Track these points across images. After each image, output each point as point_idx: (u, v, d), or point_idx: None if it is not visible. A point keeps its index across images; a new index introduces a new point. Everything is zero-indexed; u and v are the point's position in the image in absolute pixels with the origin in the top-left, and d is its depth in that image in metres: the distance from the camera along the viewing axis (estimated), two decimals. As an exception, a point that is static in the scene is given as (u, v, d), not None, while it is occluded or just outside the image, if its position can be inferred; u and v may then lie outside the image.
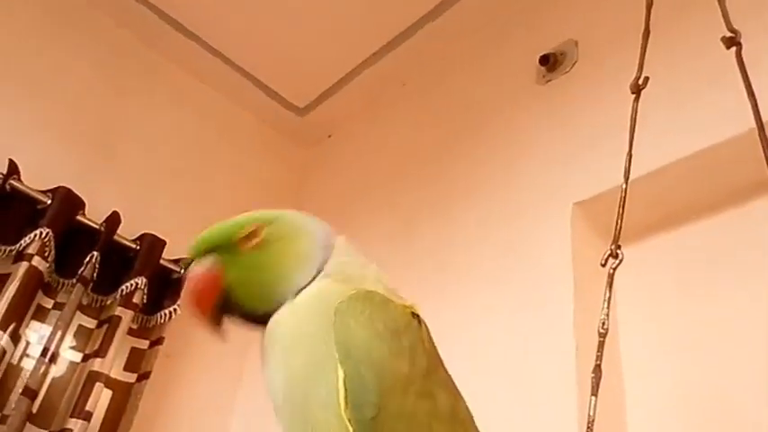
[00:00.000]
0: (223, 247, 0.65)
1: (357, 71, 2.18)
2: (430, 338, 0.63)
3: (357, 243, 2.08)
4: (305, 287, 0.63)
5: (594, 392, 0.83)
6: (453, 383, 0.62)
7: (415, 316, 0.63)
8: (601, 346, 0.85)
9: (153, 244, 1.82)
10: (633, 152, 0.97)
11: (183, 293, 0.66)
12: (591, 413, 0.81)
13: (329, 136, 2.43)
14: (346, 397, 0.53)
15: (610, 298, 0.89)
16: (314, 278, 0.64)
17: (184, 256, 1.89)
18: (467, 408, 0.62)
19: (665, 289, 1.30)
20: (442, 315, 1.50)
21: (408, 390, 0.55)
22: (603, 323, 0.87)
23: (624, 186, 0.94)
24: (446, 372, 0.62)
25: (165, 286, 1.84)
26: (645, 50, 1.01)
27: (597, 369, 0.85)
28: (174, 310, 1.80)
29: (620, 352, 1.28)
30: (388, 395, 0.53)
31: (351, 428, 0.52)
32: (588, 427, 0.80)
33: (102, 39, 2.11)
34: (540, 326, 1.30)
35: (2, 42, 1.89)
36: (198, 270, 0.65)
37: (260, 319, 0.64)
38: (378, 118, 2.24)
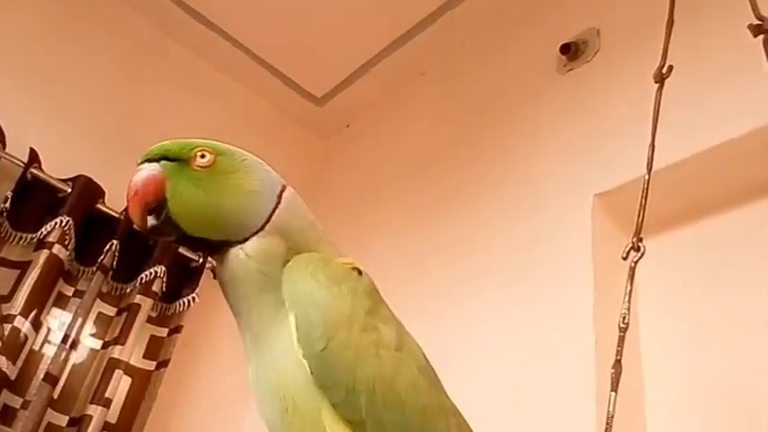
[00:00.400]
0: (173, 159, 0.67)
1: (375, 60, 2.17)
2: (372, 286, 0.68)
3: (376, 233, 2.07)
4: (253, 235, 0.65)
5: (614, 388, 0.81)
6: (399, 323, 0.68)
7: (355, 269, 0.68)
8: (621, 340, 0.84)
9: (172, 233, 1.83)
10: (656, 143, 0.95)
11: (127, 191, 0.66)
12: (610, 409, 0.80)
13: (347, 126, 2.42)
14: (299, 338, 0.60)
15: (631, 292, 0.87)
16: (262, 227, 0.66)
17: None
18: (415, 343, 0.67)
19: (687, 282, 1.28)
20: (462, 307, 1.50)
21: (352, 325, 0.61)
22: (624, 317, 0.86)
23: (647, 178, 0.92)
24: (391, 313, 0.68)
25: (184, 275, 1.86)
26: (669, 38, 0.98)
27: (617, 364, 0.83)
28: (193, 298, 1.81)
29: (641, 346, 1.26)
30: (333, 329, 0.60)
31: (305, 362, 0.59)
32: (608, 423, 0.79)
33: (121, 29, 2.12)
34: (559, 320, 1.28)
35: (22, 35, 1.90)
36: (143, 170, 0.66)
37: (198, 245, 0.68)
38: (396, 108, 2.23)
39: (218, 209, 0.65)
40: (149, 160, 0.67)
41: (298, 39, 2.18)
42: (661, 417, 1.18)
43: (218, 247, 0.66)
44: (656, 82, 0.99)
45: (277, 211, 0.67)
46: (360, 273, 0.68)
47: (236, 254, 0.65)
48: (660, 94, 0.98)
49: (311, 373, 0.58)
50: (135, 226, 0.67)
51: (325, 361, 0.58)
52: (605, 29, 1.59)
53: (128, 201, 0.66)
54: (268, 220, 0.66)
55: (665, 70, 0.98)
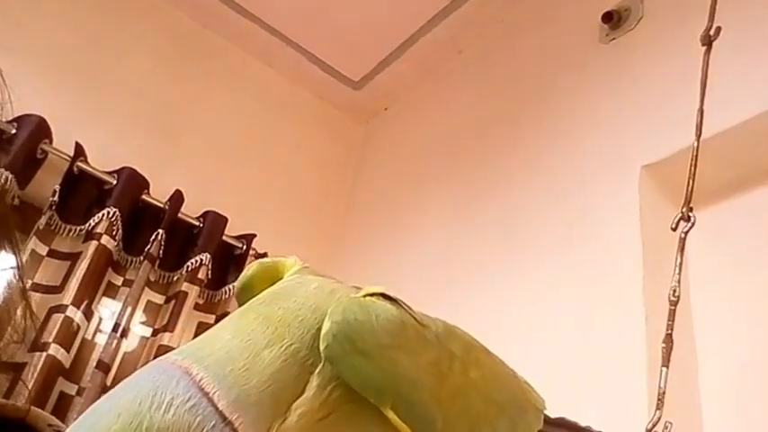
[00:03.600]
0: None
1: (412, 41, 2.14)
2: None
3: (418, 215, 2.05)
4: None
5: (665, 363, 0.79)
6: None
7: (387, 297, 0.51)
8: (672, 314, 0.81)
9: (215, 221, 1.85)
10: (705, 109, 0.91)
11: None
12: (662, 385, 0.77)
13: (385, 109, 2.40)
14: (412, 428, 0.46)
15: (681, 264, 0.84)
16: None
17: (247, 232, 1.92)
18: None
19: (740, 254, 1.23)
20: (509, 287, 1.48)
21: (443, 370, 0.50)
22: (675, 290, 0.83)
23: (696, 144, 0.88)
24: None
25: (229, 262, 1.88)
26: (716, -2, 0.94)
27: (668, 339, 0.80)
28: (238, 285, 1.83)
29: (693, 320, 1.22)
30: (439, 392, 0.49)
31: None
32: (659, 400, 0.76)
33: (162, 23, 2.14)
34: (608, 295, 1.25)
35: (65, 33, 1.94)
36: None
37: None
38: (434, 88, 2.20)
39: None
40: None
41: (333, 23, 2.17)
42: (715, 392, 1.14)
43: None
44: (703, 45, 0.94)
45: None
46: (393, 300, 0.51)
47: None
48: (708, 57, 0.93)
49: None
50: None
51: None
52: (648, -6, 1.54)
53: None
54: None
55: (712, 32, 0.94)
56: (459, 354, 0.53)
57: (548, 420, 0.59)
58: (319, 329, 0.46)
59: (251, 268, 0.54)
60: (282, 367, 0.44)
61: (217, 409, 0.40)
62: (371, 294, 0.49)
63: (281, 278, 0.54)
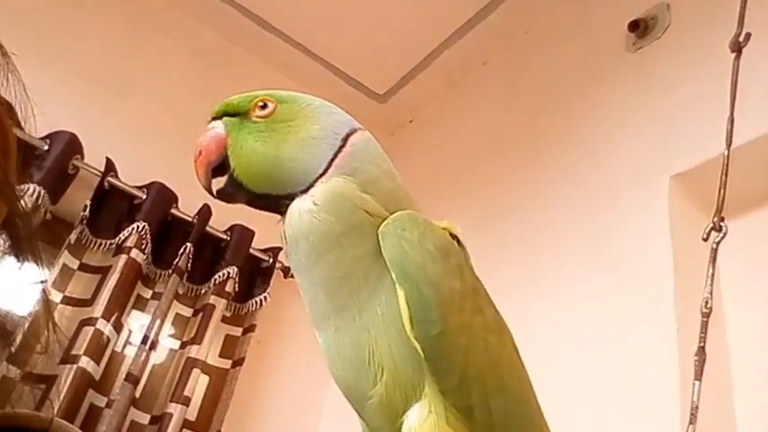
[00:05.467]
0: (234, 114, 0.63)
1: (436, 53, 2.14)
2: (468, 258, 0.63)
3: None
4: (317, 180, 0.59)
5: (698, 377, 0.77)
6: (492, 301, 0.62)
7: (454, 237, 0.62)
8: (704, 326, 0.80)
9: (242, 234, 1.87)
10: (735, 116, 0.90)
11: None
12: (695, 399, 0.75)
13: (410, 121, 2.40)
14: (412, 318, 0.54)
15: (713, 275, 0.83)
16: (326, 170, 0.59)
17: (273, 246, 1.93)
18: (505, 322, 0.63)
19: (776, 265, 1.20)
20: (536, 301, 1.46)
21: (464, 306, 0.56)
22: (707, 302, 0.81)
23: (726, 153, 0.87)
24: (485, 290, 0.62)
25: (256, 275, 1.89)
26: (745, 3, 0.92)
27: (701, 351, 0.79)
28: (265, 298, 1.84)
29: (726, 333, 1.19)
30: (448, 311, 0.55)
31: (418, 346, 0.54)
32: (692, 414, 0.75)
33: (188, 39, 2.18)
34: (639, 307, 1.23)
35: (94, 50, 1.98)
36: (206, 131, 0.63)
37: (267, 203, 0.62)
38: (459, 100, 2.20)
39: (276, 159, 0.60)
40: (215, 119, 0.64)
41: (357, 36, 2.18)
42: (749, 406, 1.11)
43: (286, 204, 0.60)
44: (732, 51, 0.93)
45: (340, 155, 0.60)
46: (458, 241, 0.62)
47: (300, 204, 0.58)
48: (738, 64, 0.92)
49: (424, 358, 0.54)
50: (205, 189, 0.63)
51: (441, 346, 0.54)
52: (675, 2, 1.52)
53: (194, 162, 0.62)
54: (330, 165, 0.59)
55: (741, 38, 0.93)
56: (490, 320, 0.59)
57: None
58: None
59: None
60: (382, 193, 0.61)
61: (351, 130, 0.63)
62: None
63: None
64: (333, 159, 0.60)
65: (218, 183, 0.62)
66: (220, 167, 0.62)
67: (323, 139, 0.61)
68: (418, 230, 0.57)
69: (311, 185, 0.59)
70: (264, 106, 0.63)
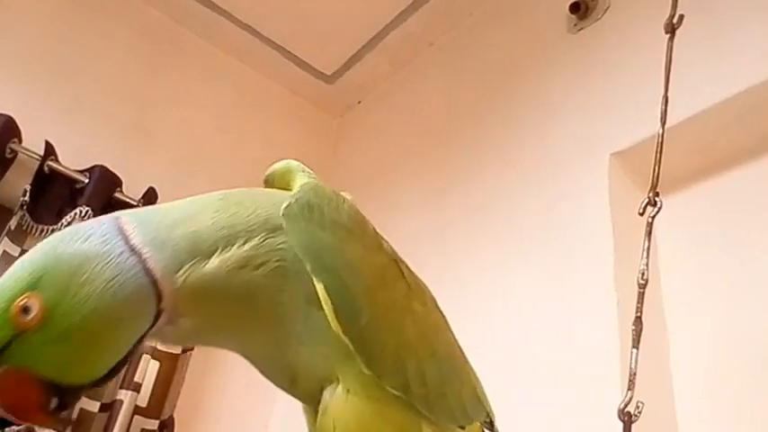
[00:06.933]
0: (8, 340, 0.45)
1: (383, 34, 2.15)
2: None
3: (394, 208, 2.05)
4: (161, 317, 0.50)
5: (635, 345, 0.81)
6: (399, 255, 0.58)
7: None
8: (641, 297, 0.83)
9: (190, 218, 1.84)
10: (670, 96, 0.93)
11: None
12: (632, 366, 0.79)
13: (359, 102, 2.40)
14: (336, 313, 0.48)
15: (649, 248, 0.86)
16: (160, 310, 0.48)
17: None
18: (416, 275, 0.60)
19: (708, 237, 1.26)
20: (483, 274, 1.49)
21: (387, 278, 0.52)
22: (643, 274, 0.84)
23: (661, 132, 0.90)
24: (391, 246, 0.58)
25: (205, 259, 1.87)
26: (678, -14, 0.95)
27: (637, 321, 0.82)
28: (215, 281, 1.83)
29: (663, 303, 1.25)
30: (375, 293, 0.50)
31: (347, 339, 0.48)
32: (630, 380, 0.78)
33: (132, 19, 2.12)
34: (580, 280, 1.27)
35: (36, 28, 1.91)
36: None
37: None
38: (407, 80, 2.21)
39: (88, 351, 0.47)
40: None
41: (304, 17, 2.17)
42: (686, 372, 1.17)
43: None
44: (666, 33, 0.96)
45: (159, 280, 0.48)
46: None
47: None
48: (671, 45, 0.95)
49: (354, 350, 0.49)
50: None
51: (371, 333, 0.49)
52: (614, -16, 1.56)
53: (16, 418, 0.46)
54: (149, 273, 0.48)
55: (675, 20, 0.96)
56: (411, 283, 0.56)
57: None
58: (272, 215, 0.52)
59: (277, 164, 0.63)
60: (212, 227, 0.51)
61: (128, 242, 0.48)
62: None
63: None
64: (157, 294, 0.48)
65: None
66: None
67: (123, 281, 0.47)
68: (328, 206, 0.52)
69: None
70: (25, 313, 0.45)
